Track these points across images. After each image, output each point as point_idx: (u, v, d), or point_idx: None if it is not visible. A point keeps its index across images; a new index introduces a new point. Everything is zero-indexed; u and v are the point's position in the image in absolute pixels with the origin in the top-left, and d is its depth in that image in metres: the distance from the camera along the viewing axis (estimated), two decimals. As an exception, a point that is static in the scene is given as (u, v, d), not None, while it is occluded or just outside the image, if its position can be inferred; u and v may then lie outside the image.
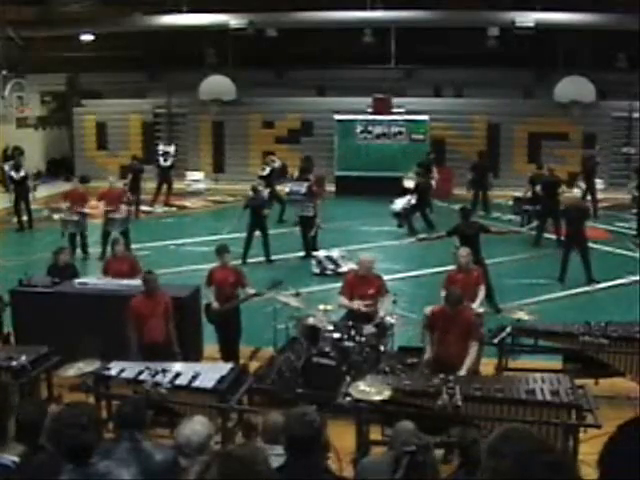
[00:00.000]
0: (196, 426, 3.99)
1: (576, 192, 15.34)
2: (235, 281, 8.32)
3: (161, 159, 18.97)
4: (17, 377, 6.40)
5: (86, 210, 14.05)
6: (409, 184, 16.12)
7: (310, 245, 13.29)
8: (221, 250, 8.49)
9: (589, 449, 5.25)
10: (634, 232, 14.62)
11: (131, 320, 7.26)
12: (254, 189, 13.56)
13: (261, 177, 17.25)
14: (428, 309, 7.56)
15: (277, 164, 17.67)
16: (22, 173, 16.54)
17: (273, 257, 13.10)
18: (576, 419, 5.62)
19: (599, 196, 19.09)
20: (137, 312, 7.29)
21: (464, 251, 8.50)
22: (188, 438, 3.91)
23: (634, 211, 15.24)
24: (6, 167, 17.24)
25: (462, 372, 6.49)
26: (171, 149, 19.63)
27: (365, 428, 5.92)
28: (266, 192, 13.99)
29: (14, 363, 6.45)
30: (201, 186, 21.18)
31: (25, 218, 16.22)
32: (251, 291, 8.34)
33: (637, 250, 13.63)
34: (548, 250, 13.84)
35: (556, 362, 7.69)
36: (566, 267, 11.65)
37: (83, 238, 13.83)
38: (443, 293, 8.00)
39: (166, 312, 7.35)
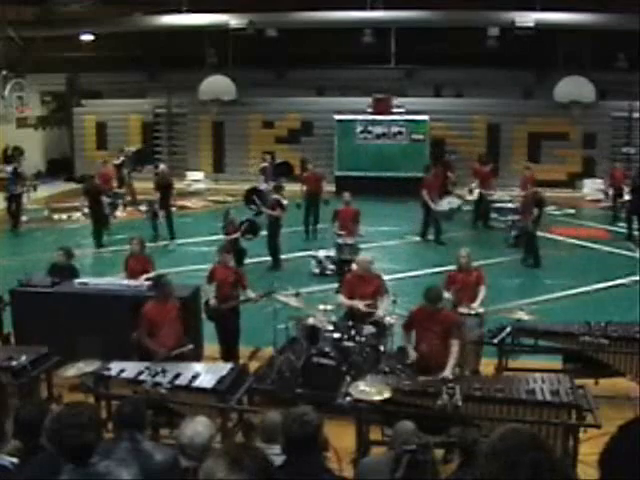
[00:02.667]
0: (199, 427, 3.98)
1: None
2: (235, 281, 8.33)
3: (115, 156, 18.97)
4: (17, 377, 6.39)
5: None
6: None
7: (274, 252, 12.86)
8: (222, 250, 8.51)
9: (589, 449, 5.25)
10: (635, 232, 14.57)
11: (144, 327, 7.09)
12: (225, 214, 12.89)
13: (261, 170, 17.19)
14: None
15: (271, 161, 17.55)
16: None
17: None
18: (576, 419, 5.62)
19: (599, 196, 19.15)
20: (150, 319, 7.09)
21: (464, 251, 8.51)
22: (191, 439, 3.90)
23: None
24: (8, 168, 17.22)
25: (446, 372, 6.32)
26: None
27: (365, 428, 5.92)
28: (237, 220, 13.02)
29: (14, 363, 6.44)
30: (201, 186, 21.19)
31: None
32: (251, 294, 8.33)
33: (637, 250, 13.63)
34: (548, 250, 13.84)
35: (556, 362, 7.68)
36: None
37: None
38: (445, 294, 8.01)
39: (178, 318, 7.24)
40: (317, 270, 12.31)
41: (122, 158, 18.00)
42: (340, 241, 11.95)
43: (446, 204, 15.01)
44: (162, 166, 16.26)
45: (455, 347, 6.64)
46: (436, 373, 6.32)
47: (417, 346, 6.80)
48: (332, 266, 12.23)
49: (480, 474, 2.01)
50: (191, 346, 7.21)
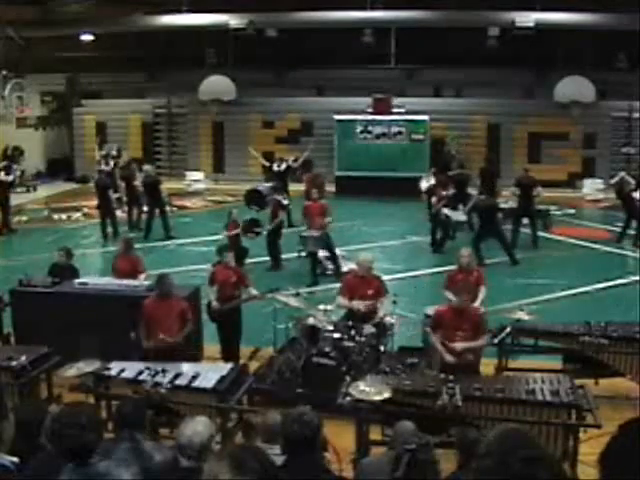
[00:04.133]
0: (198, 427, 3.98)
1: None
2: (237, 281, 8.30)
3: (102, 162, 18.03)
4: (17, 377, 6.39)
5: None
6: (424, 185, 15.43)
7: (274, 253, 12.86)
8: (222, 250, 8.50)
9: (589, 449, 5.25)
10: (633, 232, 14.55)
11: (142, 320, 7.18)
12: (229, 213, 12.93)
13: (278, 173, 16.87)
14: (429, 309, 7.54)
15: (290, 162, 17.40)
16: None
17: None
18: (576, 419, 5.62)
19: (600, 196, 19.13)
20: (148, 313, 7.20)
21: (465, 251, 8.51)
22: (190, 439, 3.90)
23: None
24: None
25: (458, 345, 6.59)
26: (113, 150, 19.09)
27: (365, 428, 5.91)
28: (239, 219, 12.92)
29: (14, 363, 6.44)
30: (201, 186, 21.20)
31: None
32: (253, 292, 8.33)
33: (637, 250, 13.62)
34: (548, 250, 13.85)
35: (556, 362, 7.69)
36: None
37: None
38: (447, 294, 8.01)
39: (181, 318, 7.24)
40: (317, 270, 12.31)
41: (111, 163, 17.82)
42: (305, 234, 12.00)
43: (462, 214, 14.41)
44: (147, 167, 16.30)
45: (482, 341, 6.77)
46: (465, 372, 6.32)
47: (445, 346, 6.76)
48: (332, 266, 12.24)
49: (477, 473, 2.01)
50: (174, 340, 7.13)
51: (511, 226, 13.86)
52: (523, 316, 7.82)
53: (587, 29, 18.31)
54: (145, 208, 15.56)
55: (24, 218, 16.88)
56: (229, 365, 6.81)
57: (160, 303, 7.24)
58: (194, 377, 6.23)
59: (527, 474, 1.88)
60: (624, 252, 13.74)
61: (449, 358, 6.64)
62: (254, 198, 14.71)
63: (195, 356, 7.90)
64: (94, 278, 9.00)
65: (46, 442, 3.66)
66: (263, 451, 2.36)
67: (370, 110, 20.54)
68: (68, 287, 8.44)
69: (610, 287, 11.44)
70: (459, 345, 6.61)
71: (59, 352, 6.78)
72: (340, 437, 6.07)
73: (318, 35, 20.81)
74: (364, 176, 19.88)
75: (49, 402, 6.24)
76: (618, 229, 14.59)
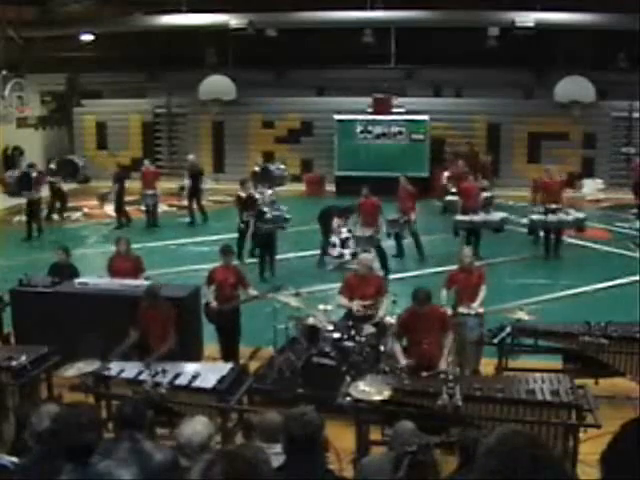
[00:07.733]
0: (197, 426, 3.98)
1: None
2: (236, 282, 8.30)
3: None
4: (17, 377, 6.39)
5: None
6: None
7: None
8: (226, 250, 8.49)
9: (589, 449, 5.25)
10: (635, 232, 14.56)
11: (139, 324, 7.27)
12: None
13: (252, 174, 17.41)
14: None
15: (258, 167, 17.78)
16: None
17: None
18: (576, 419, 5.62)
19: (600, 196, 19.13)
20: (141, 313, 7.28)
21: (467, 251, 8.52)
22: (189, 438, 3.90)
23: (633, 211, 15.22)
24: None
25: (443, 365, 6.62)
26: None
27: (365, 428, 5.92)
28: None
29: (14, 363, 6.44)
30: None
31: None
32: (253, 292, 8.32)
33: (637, 250, 13.63)
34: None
35: (556, 362, 7.69)
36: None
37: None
38: (444, 293, 8.02)
39: (166, 322, 7.22)
40: (335, 252, 12.45)
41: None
42: (359, 233, 12.37)
43: (497, 215, 13.90)
44: (191, 156, 17.66)
45: (448, 339, 6.85)
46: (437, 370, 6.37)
47: (415, 348, 6.82)
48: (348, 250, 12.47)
49: (479, 473, 2.01)
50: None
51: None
52: (523, 316, 7.82)
53: (587, 29, 18.32)
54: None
55: (24, 218, 16.83)
56: (229, 365, 6.81)
57: (148, 308, 7.26)
58: (194, 377, 6.23)
59: (533, 474, 1.88)
60: (624, 252, 13.74)
61: (404, 362, 6.66)
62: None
63: (193, 356, 7.89)
64: (94, 278, 8.98)
65: (32, 442, 3.63)
66: (245, 455, 2.36)
67: (370, 110, 20.55)
68: (68, 287, 8.44)
69: (610, 287, 11.44)
70: (442, 365, 6.64)
71: (59, 352, 6.78)
72: (340, 437, 6.07)
73: (318, 35, 20.81)
74: (364, 176, 19.80)
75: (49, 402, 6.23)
76: (618, 229, 14.59)
